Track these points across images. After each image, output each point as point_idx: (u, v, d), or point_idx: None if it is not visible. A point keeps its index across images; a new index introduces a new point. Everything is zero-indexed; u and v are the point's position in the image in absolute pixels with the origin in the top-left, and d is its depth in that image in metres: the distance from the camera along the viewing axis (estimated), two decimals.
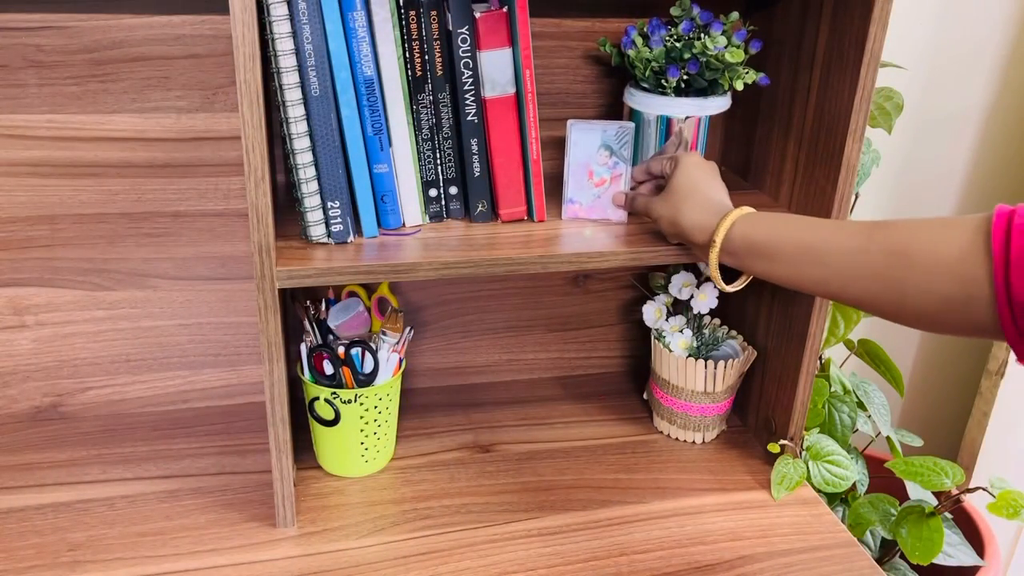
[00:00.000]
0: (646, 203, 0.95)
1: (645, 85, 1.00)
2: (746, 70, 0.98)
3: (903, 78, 1.30)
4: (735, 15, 0.98)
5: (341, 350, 1.02)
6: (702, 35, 0.95)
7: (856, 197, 1.23)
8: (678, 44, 0.95)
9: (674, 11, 1.00)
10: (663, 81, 0.97)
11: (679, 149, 0.99)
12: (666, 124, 0.99)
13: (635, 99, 1.01)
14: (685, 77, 0.97)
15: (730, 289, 0.91)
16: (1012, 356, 1.47)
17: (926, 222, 0.70)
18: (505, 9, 0.89)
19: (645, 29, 0.99)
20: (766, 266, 0.82)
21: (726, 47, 0.94)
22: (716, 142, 1.02)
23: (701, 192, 0.90)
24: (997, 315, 0.63)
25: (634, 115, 1.01)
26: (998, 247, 0.62)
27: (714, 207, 0.88)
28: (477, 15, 0.89)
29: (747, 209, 0.86)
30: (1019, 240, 0.60)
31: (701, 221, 0.87)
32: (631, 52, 0.99)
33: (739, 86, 0.98)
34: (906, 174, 1.47)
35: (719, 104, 0.99)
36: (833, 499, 1.22)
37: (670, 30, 0.97)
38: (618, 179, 0.99)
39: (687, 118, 0.99)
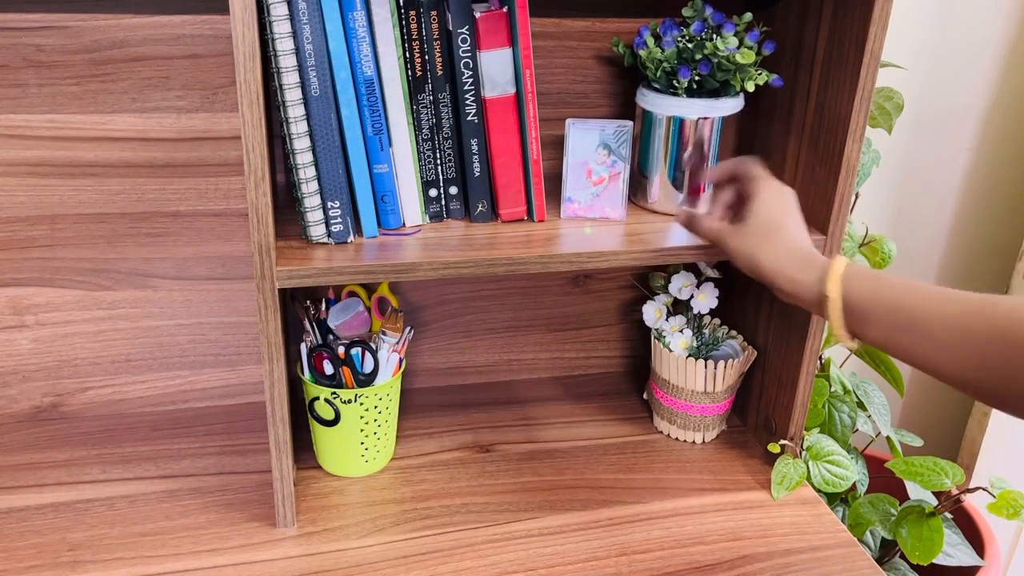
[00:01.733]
0: (717, 233, 0.89)
1: (657, 86, 1.00)
2: (759, 71, 0.98)
3: (903, 78, 1.30)
4: (748, 16, 0.98)
5: (341, 350, 1.02)
6: (714, 36, 0.95)
7: (856, 197, 1.23)
8: (690, 45, 0.95)
9: (686, 11, 1.00)
10: (675, 82, 0.97)
11: (751, 165, 0.92)
12: (678, 125, 0.99)
13: (647, 100, 1.00)
14: (697, 78, 0.97)
15: (853, 346, 0.81)
16: None
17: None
18: (505, 9, 0.89)
19: (658, 29, 0.98)
20: (862, 328, 0.76)
21: (738, 48, 0.94)
22: (729, 144, 1.02)
23: (786, 233, 0.84)
24: None
25: (646, 116, 1.01)
26: None
27: (804, 257, 0.82)
28: (477, 15, 0.89)
29: (845, 263, 0.78)
30: None
31: (792, 273, 0.81)
32: (643, 52, 0.98)
33: (750, 87, 0.97)
34: (906, 174, 1.47)
35: (731, 105, 0.99)
36: (833, 499, 1.22)
37: (682, 31, 0.97)
38: (616, 177, 0.99)
39: (699, 119, 0.99)
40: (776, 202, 0.87)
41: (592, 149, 0.98)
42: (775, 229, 0.85)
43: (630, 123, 0.98)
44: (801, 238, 0.85)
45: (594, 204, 1.00)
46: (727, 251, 0.88)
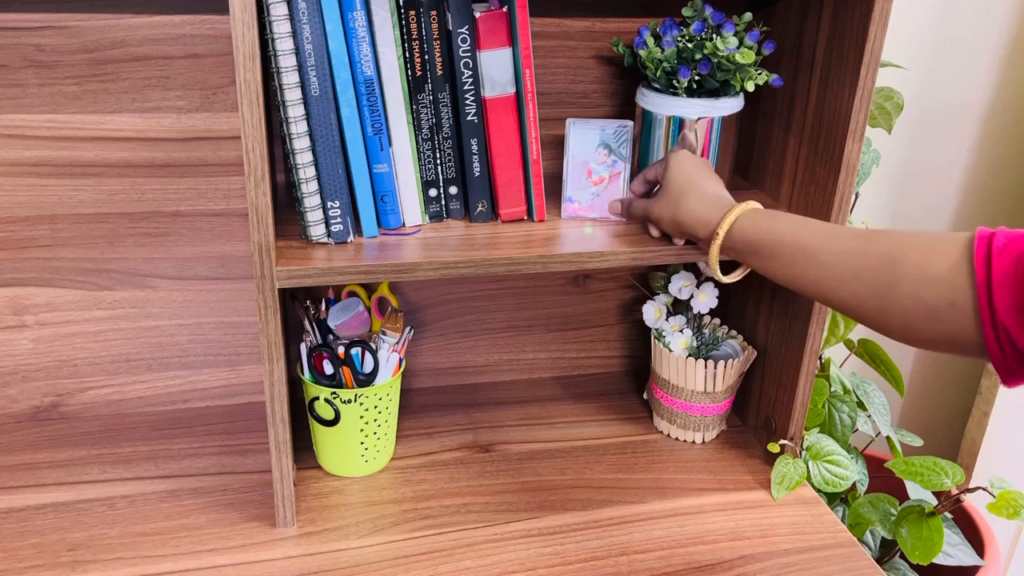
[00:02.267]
0: (644, 206, 0.96)
1: (657, 86, 1.00)
2: (759, 71, 0.98)
3: (903, 77, 1.29)
4: (748, 16, 0.98)
5: (341, 350, 1.02)
6: (714, 36, 0.94)
7: (856, 197, 1.23)
8: (690, 45, 0.95)
9: (686, 11, 1.00)
10: (675, 82, 0.97)
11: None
12: (678, 125, 0.99)
13: (647, 99, 1.00)
14: (697, 78, 0.96)
15: (726, 280, 0.93)
16: None
17: (919, 234, 0.72)
18: (505, 9, 0.89)
19: (658, 29, 0.98)
20: (763, 263, 0.83)
21: (738, 48, 0.94)
22: (729, 144, 1.02)
23: (698, 186, 0.90)
24: (982, 333, 0.65)
25: (645, 115, 1.01)
26: (980, 268, 0.64)
27: (714, 201, 0.89)
28: (477, 15, 0.89)
29: (751, 204, 0.86)
30: (999, 263, 0.63)
31: (703, 215, 0.88)
32: (643, 52, 0.98)
33: (750, 87, 0.97)
34: (906, 174, 1.47)
35: (731, 105, 0.99)
36: (833, 499, 1.22)
37: (682, 30, 0.96)
38: (617, 177, 0.99)
39: (699, 119, 0.99)
40: (687, 163, 0.92)
41: (592, 149, 0.98)
42: (690, 185, 0.90)
43: (630, 123, 0.98)
44: (713, 188, 0.90)
45: (595, 204, 1.00)
46: (654, 219, 0.94)
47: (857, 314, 0.76)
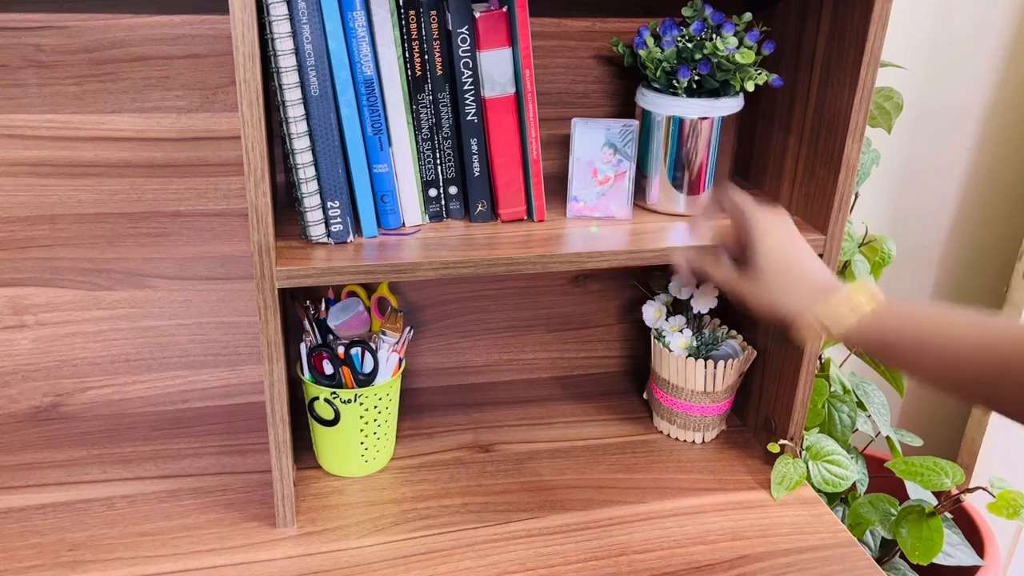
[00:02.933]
0: (733, 283, 0.83)
1: (656, 85, 1.00)
2: (758, 71, 0.98)
3: (903, 78, 1.29)
4: (748, 16, 0.97)
5: (341, 350, 1.02)
6: (714, 36, 0.94)
7: (856, 197, 1.23)
8: (690, 45, 0.95)
9: (686, 11, 0.99)
10: (674, 82, 0.97)
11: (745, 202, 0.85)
12: (678, 124, 0.99)
13: (646, 99, 1.00)
14: (696, 78, 0.96)
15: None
16: None
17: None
18: (505, 9, 0.89)
19: (658, 29, 0.98)
20: (890, 357, 0.74)
21: (738, 48, 0.94)
22: (729, 144, 1.02)
23: (797, 270, 0.80)
24: None
25: (645, 115, 1.01)
26: None
27: (821, 286, 0.78)
28: (477, 15, 0.89)
29: (864, 294, 0.75)
30: None
31: (811, 306, 0.77)
32: (643, 52, 0.98)
33: (750, 87, 0.97)
34: (906, 174, 1.47)
35: (731, 105, 0.99)
36: (833, 499, 1.22)
37: (682, 30, 0.96)
38: (622, 176, 0.99)
39: (700, 119, 0.99)
40: (778, 236, 0.82)
41: (598, 148, 0.98)
42: (787, 269, 0.80)
43: (636, 122, 0.98)
44: (814, 270, 0.80)
45: (600, 203, 1.00)
46: (744, 299, 0.83)
47: (959, 397, 0.71)
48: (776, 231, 0.82)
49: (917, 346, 0.71)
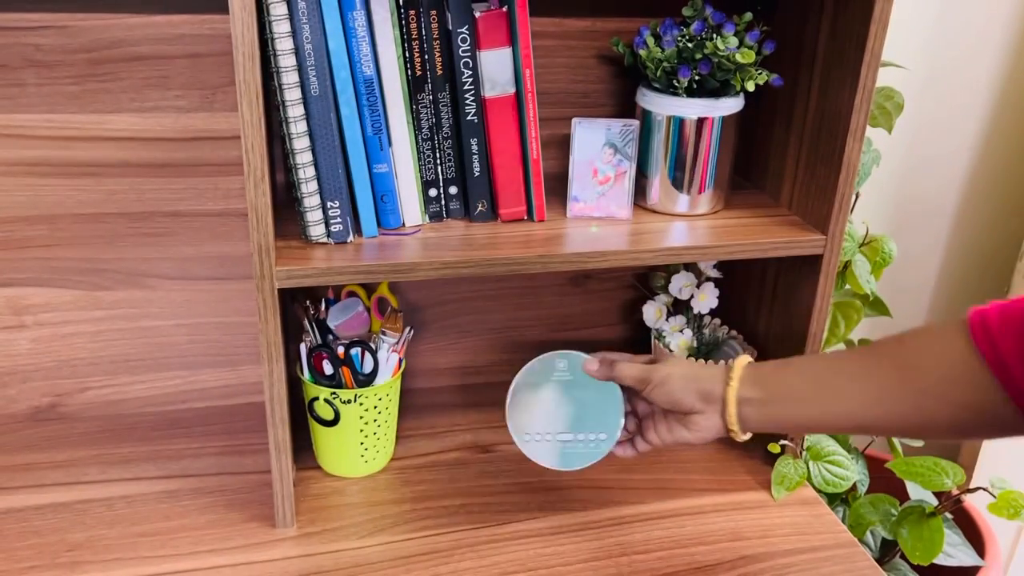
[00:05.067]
0: (641, 368, 0.86)
1: (657, 85, 1.00)
2: (759, 71, 0.98)
3: (903, 77, 1.29)
4: (748, 16, 0.97)
5: (341, 350, 1.02)
6: (714, 36, 0.94)
7: (856, 197, 1.23)
8: (690, 44, 0.95)
9: (686, 11, 0.99)
10: (675, 81, 0.97)
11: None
12: (678, 124, 0.99)
13: (647, 99, 1.00)
14: (697, 78, 0.96)
15: (744, 437, 0.84)
16: None
17: (915, 335, 0.71)
18: (505, 8, 0.89)
19: (658, 29, 0.98)
20: (792, 410, 0.79)
21: (738, 48, 0.94)
22: (729, 144, 1.01)
23: (697, 365, 0.87)
24: (1021, 413, 0.64)
25: (646, 115, 1.00)
26: (990, 356, 0.64)
27: (717, 370, 0.83)
28: (477, 14, 0.89)
29: (745, 359, 0.83)
30: (1004, 345, 0.63)
31: (712, 385, 0.82)
32: (643, 52, 0.98)
33: (750, 87, 0.97)
34: (906, 174, 1.47)
35: (731, 105, 0.99)
36: (833, 499, 1.22)
37: (682, 30, 0.96)
38: (622, 176, 0.99)
39: (700, 119, 0.98)
40: (676, 360, 0.90)
41: (598, 148, 0.98)
42: (692, 377, 0.84)
43: (636, 122, 0.98)
44: (707, 369, 0.85)
45: (600, 203, 1.00)
46: (658, 378, 0.85)
47: (904, 433, 0.76)
48: (673, 360, 0.89)
49: (813, 383, 0.77)
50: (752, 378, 0.80)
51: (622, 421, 0.91)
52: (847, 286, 1.18)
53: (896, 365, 0.71)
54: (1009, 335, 0.63)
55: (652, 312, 1.17)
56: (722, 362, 0.85)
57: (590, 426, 0.92)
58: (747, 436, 0.82)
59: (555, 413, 0.93)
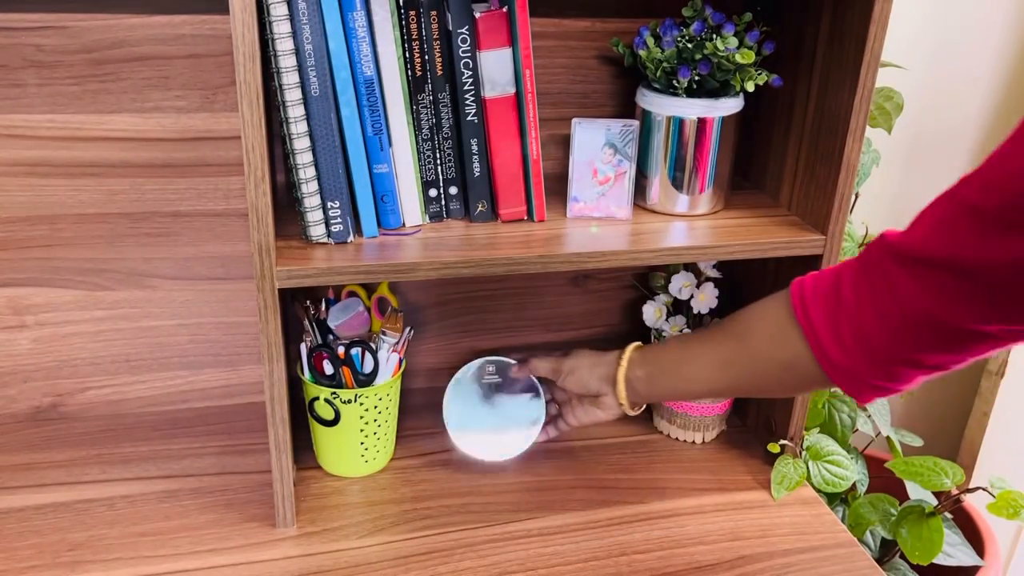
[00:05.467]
0: (553, 363, 1.04)
1: (657, 86, 1.00)
2: (758, 71, 0.98)
3: (902, 77, 1.29)
4: (748, 16, 0.97)
5: (341, 350, 1.02)
6: (714, 36, 0.94)
7: (856, 197, 1.23)
8: (690, 45, 0.95)
9: (686, 11, 0.99)
10: (674, 82, 0.97)
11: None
12: (678, 125, 0.99)
13: (646, 99, 1.00)
14: (696, 78, 0.96)
15: (633, 412, 1.00)
16: (1011, 356, 1.47)
17: (752, 307, 0.84)
18: (505, 9, 0.89)
19: (658, 29, 0.98)
20: (668, 383, 0.95)
21: (738, 48, 0.94)
22: (729, 144, 1.01)
23: (597, 354, 1.02)
24: (820, 368, 0.75)
25: (645, 115, 1.00)
26: (803, 321, 0.76)
27: (610, 354, 1.00)
28: (477, 15, 0.89)
29: (635, 344, 0.98)
30: (814, 310, 0.75)
31: (610, 367, 0.98)
32: (643, 52, 0.98)
33: (750, 87, 0.97)
34: (906, 174, 1.47)
35: (731, 105, 0.99)
36: (833, 499, 1.22)
37: (682, 31, 0.96)
38: (622, 177, 0.99)
39: (701, 119, 0.98)
40: (580, 353, 1.04)
41: (598, 148, 0.98)
42: (592, 364, 1.01)
43: (636, 123, 0.98)
44: (602, 353, 1.02)
45: (600, 203, 1.00)
46: (562, 383, 1.04)
47: (748, 393, 0.94)
48: (577, 353, 1.04)
49: (681, 359, 0.92)
50: (639, 359, 0.96)
51: (543, 414, 1.09)
52: None
53: (736, 334, 0.84)
54: (819, 303, 0.74)
55: (652, 312, 1.17)
56: (613, 356, 0.98)
57: (518, 419, 1.09)
58: (636, 412, 1.00)
59: (487, 410, 1.11)
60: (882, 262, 0.72)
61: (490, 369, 1.12)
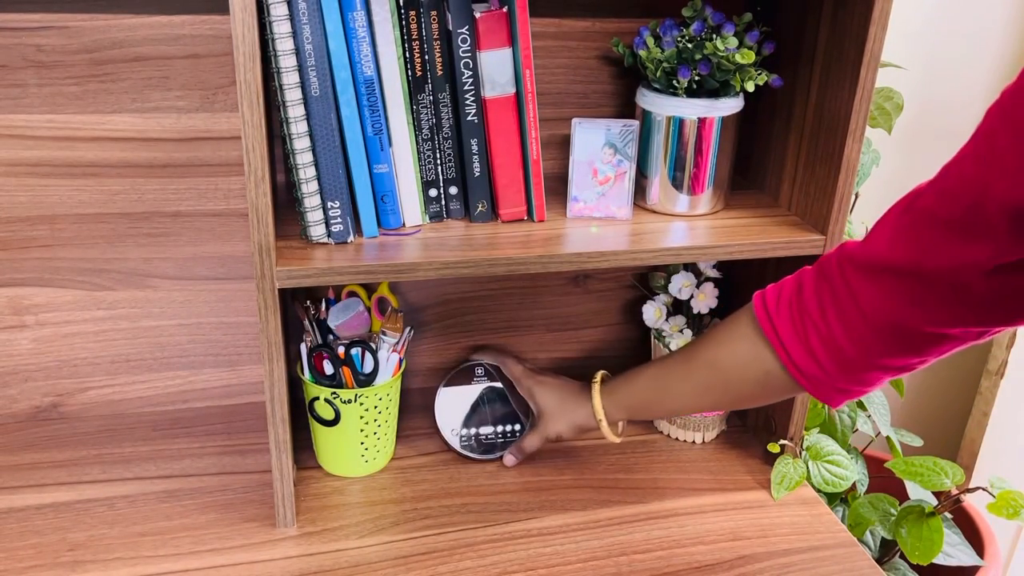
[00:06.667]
0: (538, 437, 1.07)
1: (656, 86, 1.00)
2: (758, 71, 0.98)
3: (903, 78, 1.30)
4: (748, 16, 0.97)
5: (341, 350, 1.02)
6: (714, 36, 0.94)
7: (856, 197, 1.23)
8: (690, 45, 0.95)
9: (686, 11, 0.99)
10: (674, 82, 0.97)
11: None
12: (678, 125, 0.99)
13: (646, 100, 1.00)
14: (696, 78, 0.96)
15: (618, 440, 1.05)
16: (1011, 355, 1.47)
17: (717, 328, 0.87)
18: (505, 9, 0.89)
19: (658, 30, 0.98)
20: (648, 414, 1.07)
21: (738, 48, 0.94)
22: (729, 144, 1.01)
23: (566, 393, 1.06)
24: (793, 379, 0.78)
25: (645, 116, 1.01)
26: (770, 334, 0.78)
27: (583, 396, 1.03)
28: (477, 15, 0.89)
29: (597, 381, 1.02)
30: (779, 321, 0.77)
31: (586, 411, 1.02)
32: (643, 52, 0.98)
33: (750, 87, 0.97)
34: (906, 174, 1.46)
35: (731, 105, 0.99)
36: (833, 499, 1.22)
37: (682, 31, 0.96)
38: (622, 177, 0.99)
39: (701, 119, 0.98)
40: (544, 388, 1.08)
41: (598, 148, 0.98)
42: (561, 398, 1.06)
43: (636, 123, 0.98)
44: (574, 388, 1.06)
45: (600, 203, 1.00)
46: (554, 437, 1.07)
47: (726, 409, 1.04)
48: (538, 381, 1.09)
49: (653, 392, 0.95)
50: (614, 403, 0.99)
51: (530, 417, 1.11)
52: None
53: (707, 361, 0.87)
54: (783, 316, 0.77)
55: (652, 312, 1.17)
56: (586, 402, 1.02)
57: (505, 421, 1.13)
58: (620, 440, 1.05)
59: (476, 411, 1.14)
60: (843, 272, 0.73)
61: (479, 372, 1.16)
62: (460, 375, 1.16)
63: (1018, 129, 0.57)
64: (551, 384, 1.08)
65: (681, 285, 1.15)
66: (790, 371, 0.78)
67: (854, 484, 1.20)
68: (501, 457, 1.11)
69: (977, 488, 1.14)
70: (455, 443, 1.12)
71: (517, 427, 1.13)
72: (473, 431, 1.13)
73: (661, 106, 0.99)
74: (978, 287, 0.64)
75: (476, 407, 1.14)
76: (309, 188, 0.88)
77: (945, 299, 0.66)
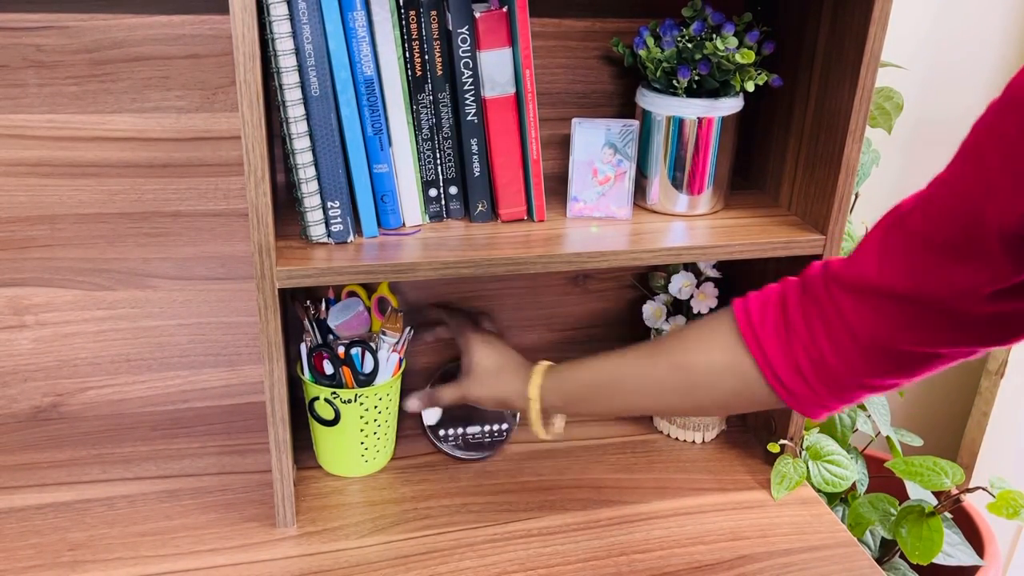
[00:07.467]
0: (457, 392, 1.01)
1: (656, 86, 1.00)
2: (758, 71, 0.98)
3: (903, 78, 1.30)
4: (748, 16, 0.97)
5: (341, 350, 1.02)
6: (714, 36, 0.94)
7: (856, 197, 1.23)
8: (689, 45, 0.95)
9: (686, 11, 0.99)
10: (674, 82, 0.97)
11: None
12: (678, 125, 0.99)
13: (646, 99, 1.00)
14: (696, 78, 0.96)
15: (550, 436, 0.96)
16: (1011, 355, 1.47)
17: (690, 332, 0.82)
18: (505, 9, 0.89)
19: (658, 29, 0.98)
20: (586, 408, 0.93)
21: (737, 48, 0.94)
22: (729, 144, 1.01)
23: (507, 361, 0.99)
24: (776, 394, 0.75)
25: (645, 115, 1.01)
26: (751, 342, 0.74)
27: (522, 372, 0.96)
28: (477, 15, 0.89)
29: (545, 364, 0.94)
30: (767, 340, 0.73)
31: (520, 388, 0.94)
32: (643, 52, 0.98)
33: (750, 87, 0.97)
34: (906, 174, 1.47)
35: (730, 105, 0.99)
36: (833, 499, 1.22)
37: (682, 31, 0.96)
38: (622, 176, 0.99)
39: (701, 119, 0.98)
40: (487, 348, 1.01)
41: (598, 148, 0.98)
42: (500, 365, 0.99)
43: (636, 122, 0.98)
44: (518, 361, 1.00)
45: (600, 203, 1.00)
46: (472, 400, 1.01)
47: (682, 415, 0.98)
48: (484, 344, 1.02)
49: (601, 384, 0.87)
50: (554, 387, 0.92)
51: (518, 415, 1.11)
52: None
53: (675, 364, 0.81)
54: (769, 331, 0.73)
55: (652, 312, 1.17)
56: (524, 376, 0.94)
57: (491, 419, 1.13)
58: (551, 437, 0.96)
59: (461, 411, 1.11)
60: (830, 291, 0.70)
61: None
62: (444, 379, 1.11)
63: (1007, 149, 0.54)
64: (496, 347, 1.02)
65: (681, 285, 1.15)
66: (773, 387, 0.74)
67: (854, 484, 1.20)
68: (488, 456, 1.11)
69: (977, 488, 1.14)
70: (443, 445, 1.11)
71: (504, 426, 1.13)
72: (460, 431, 1.12)
73: (661, 106, 0.99)
74: (975, 312, 0.62)
75: (461, 405, 1.09)
76: (309, 188, 0.88)
77: (940, 323, 0.64)
